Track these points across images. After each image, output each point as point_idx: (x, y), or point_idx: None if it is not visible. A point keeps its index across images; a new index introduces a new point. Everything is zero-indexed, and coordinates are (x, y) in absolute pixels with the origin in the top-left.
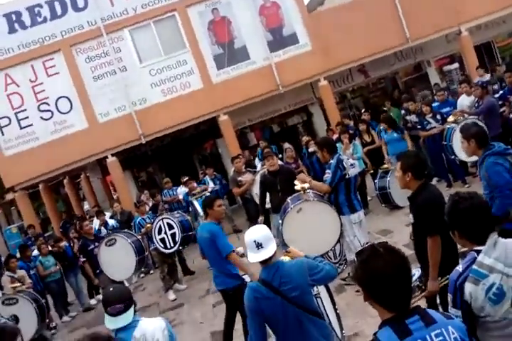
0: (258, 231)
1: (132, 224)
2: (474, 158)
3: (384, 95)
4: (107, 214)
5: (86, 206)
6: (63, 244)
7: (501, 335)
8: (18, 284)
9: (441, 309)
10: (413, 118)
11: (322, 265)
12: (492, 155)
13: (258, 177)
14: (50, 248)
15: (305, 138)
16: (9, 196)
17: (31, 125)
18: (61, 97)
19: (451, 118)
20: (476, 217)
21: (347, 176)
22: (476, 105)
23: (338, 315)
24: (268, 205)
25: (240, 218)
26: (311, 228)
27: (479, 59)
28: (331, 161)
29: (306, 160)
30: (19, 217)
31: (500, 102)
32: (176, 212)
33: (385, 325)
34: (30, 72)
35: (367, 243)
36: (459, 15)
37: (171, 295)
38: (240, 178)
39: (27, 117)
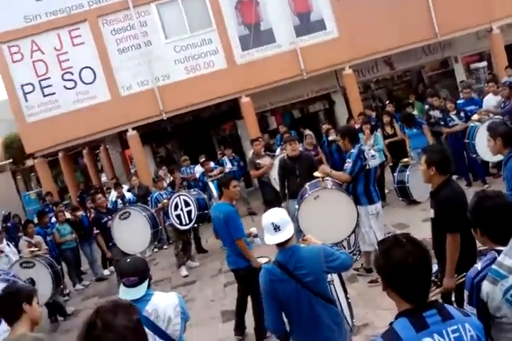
0: (276, 214)
1: (149, 198)
2: (497, 158)
3: (408, 88)
4: (125, 187)
5: (103, 178)
6: (80, 213)
7: None
8: (36, 248)
9: (455, 306)
10: (437, 113)
11: (338, 253)
12: None
13: (277, 162)
14: (67, 216)
15: (325, 127)
16: (29, 162)
17: (54, 93)
18: (85, 68)
19: (475, 117)
20: (500, 216)
21: (367, 167)
22: (502, 105)
23: (349, 303)
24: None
25: (256, 201)
26: (327, 216)
27: (509, 58)
28: (352, 150)
29: (326, 148)
30: (38, 184)
31: None
32: (193, 189)
33: (401, 315)
34: (56, 40)
35: (388, 233)
36: (492, 12)
37: (183, 272)
38: (258, 161)
39: (50, 85)
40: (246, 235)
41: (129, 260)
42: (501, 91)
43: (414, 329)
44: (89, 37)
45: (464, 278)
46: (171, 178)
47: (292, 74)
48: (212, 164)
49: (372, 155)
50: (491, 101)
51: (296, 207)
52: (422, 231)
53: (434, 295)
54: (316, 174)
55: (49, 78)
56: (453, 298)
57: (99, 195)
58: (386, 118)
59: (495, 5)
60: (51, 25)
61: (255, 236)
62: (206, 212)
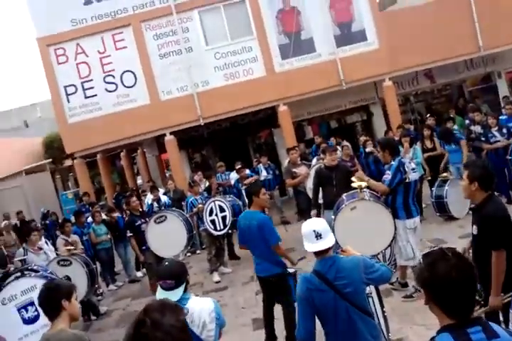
0: (317, 222)
1: (184, 203)
2: None
3: (448, 102)
4: (160, 191)
5: (139, 181)
6: (116, 214)
7: None
8: (73, 247)
9: (503, 326)
10: (478, 129)
11: (378, 265)
12: None
13: (313, 172)
14: (103, 217)
15: (363, 138)
16: (68, 162)
17: (96, 95)
18: (126, 71)
19: None
20: None
21: (407, 180)
22: None
23: (385, 317)
24: (320, 201)
25: (290, 210)
26: (364, 228)
27: None
28: (392, 163)
29: (363, 159)
30: (75, 184)
31: None
32: (228, 195)
33: (444, 330)
34: (99, 43)
35: (432, 247)
36: None
37: (216, 277)
38: (294, 170)
39: (92, 87)
40: None
41: (167, 263)
42: None
43: None
44: (132, 41)
45: (511, 297)
46: (207, 183)
47: (331, 85)
48: (247, 171)
49: (413, 169)
50: None
51: (333, 217)
52: (459, 248)
53: (479, 314)
54: (353, 184)
55: (91, 80)
56: (501, 318)
57: (134, 198)
58: (426, 132)
59: None
60: (96, 29)
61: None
62: None
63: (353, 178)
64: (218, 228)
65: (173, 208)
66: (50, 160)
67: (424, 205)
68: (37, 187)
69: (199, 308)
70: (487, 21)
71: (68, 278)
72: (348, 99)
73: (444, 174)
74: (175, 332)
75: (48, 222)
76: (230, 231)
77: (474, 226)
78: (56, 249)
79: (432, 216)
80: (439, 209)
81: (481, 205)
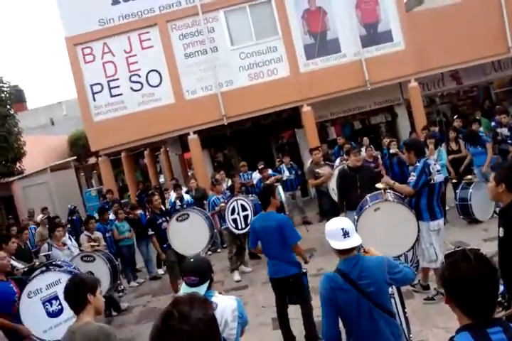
0: (345, 221)
1: (206, 201)
2: None
3: (474, 104)
4: (183, 189)
5: (162, 179)
6: (139, 212)
7: None
8: (96, 243)
9: None
10: (504, 131)
11: (402, 266)
12: None
13: (336, 173)
14: (124, 214)
15: (386, 140)
16: (91, 160)
17: (121, 94)
18: (152, 71)
19: None
20: None
21: (432, 182)
22: None
23: (407, 318)
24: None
25: (311, 211)
26: (387, 229)
27: None
28: (418, 164)
29: (386, 160)
30: (99, 181)
31: None
32: (250, 195)
33: (464, 330)
34: (126, 43)
35: (457, 247)
36: None
37: (236, 276)
38: (317, 170)
39: (118, 86)
40: None
41: (192, 259)
42: None
43: None
44: (158, 41)
45: None
46: (229, 182)
47: (356, 85)
48: (270, 171)
49: (438, 170)
50: None
51: (356, 217)
52: (483, 251)
53: (502, 316)
54: (378, 185)
55: (117, 79)
56: None
57: (156, 197)
58: (452, 134)
59: None
60: (123, 29)
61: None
62: None
63: (378, 185)
64: (240, 227)
65: (195, 207)
66: (75, 157)
67: (447, 208)
68: (61, 184)
69: (222, 306)
70: None
71: (91, 274)
72: (373, 100)
73: (469, 176)
74: (202, 325)
75: (74, 217)
76: None
77: (501, 229)
78: (79, 245)
79: (456, 218)
80: (462, 212)
81: (508, 207)
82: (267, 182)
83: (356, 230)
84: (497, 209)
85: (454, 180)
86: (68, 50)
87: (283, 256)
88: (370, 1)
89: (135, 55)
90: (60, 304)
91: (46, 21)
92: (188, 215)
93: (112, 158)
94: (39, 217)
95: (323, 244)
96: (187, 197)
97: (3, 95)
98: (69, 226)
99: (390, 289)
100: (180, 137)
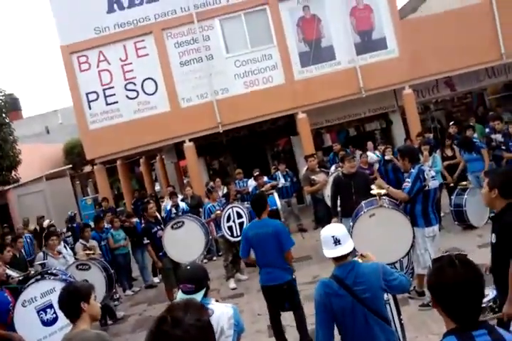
0: (336, 228)
1: (202, 209)
2: None
3: (468, 111)
4: (179, 197)
5: (157, 187)
6: (135, 220)
7: None
8: (91, 252)
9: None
10: (498, 137)
11: (398, 274)
12: None
13: (331, 180)
14: (120, 222)
15: (381, 147)
16: (87, 168)
17: (117, 102)
18: (147, 79)
19: None
20: None
21: (426, 188)
22: None
23: (402, 325)
24: (338, 208)
25: (307, 218)
26: (382, 235)
27: None
28: (412, 170)
29: (381, 167)
30: (94, 190)
31: None
32: (246, 202)
33: (450, 334)
34: (121, 51)
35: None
36: None
37: (232, 284)
38: (313, 177)
39: (114, 94)
40: None
41: (189, 267)
42: None
43: None
44: (153, 49)
45: None
46: (225, 190)
47: (350, 92)
48: (265, 178)
49: (433, 177)
50: None
51: (351, 224)
52: (478, 257)
53: (490, 319)
54: (373, 191)
55: (113, 87)
56: (511, 328)
57: (151, 205)
58: (447, 141)
59: None
60: (118, 37)
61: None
62: None
63: (372, 186)
64: (235, 234)
65: (190, 214)
66: (70, 166)
67: (442, 214)
68: (57, 193)
69: (218, 314)
70: (510, 28)
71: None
72: (367, 107)
73: (464, 182)
74: (194, 331)
75: (75, 225)
76: None
77: (493, 235)
78: (75, 254)
79: (451, 225)
80: (457, 218)
81: (501, 213)
82: (263, 189)
83: (351, 236)
84: (492, 215)
85: (451, 184)
86: (64, 59)
87: (278, 263)
88: (365, 8)
89: (130, 63)
90: (54, 312)
91: (41, 29)
92: (183, 223)
93: (107, 166)
94: (46, 222)
95: (319, 251)
96: (182, 205)
97: None
98: (69, 233)
99: (386, 295)
100: (175, 145)
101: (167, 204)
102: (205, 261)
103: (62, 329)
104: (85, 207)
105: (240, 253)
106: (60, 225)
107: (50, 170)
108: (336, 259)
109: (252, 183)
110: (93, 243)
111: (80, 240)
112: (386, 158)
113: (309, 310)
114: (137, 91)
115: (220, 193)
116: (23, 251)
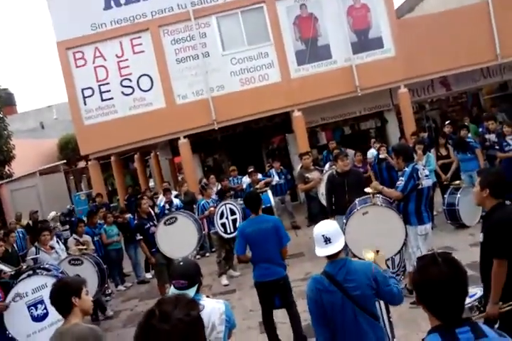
0: (327, 226)
1: (195, 206)
2: None
3: (463, 110)
4: (173, 193)
5: (151, 183)
6: (128, 215)
7: None
8: (84, 247)
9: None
10: (492, 137)
11: (393, 284)
12: None
13: (325, 178)
14: (113, 218)
15: (376, 145)
16: (81, 164)
17: (112, 98)
18: (143, 75)
19: None
20: None
21: (420, 186)
22: None
23: (391, 322)
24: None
25: (300, 215)
26: (375, 233)
27: None
28: (406, 169)
29: (375, 165)
30: (88, 185)
31: None
32: (239, 199)
33: (434, 331)
34: (117, 47)
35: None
36: None
37: (224, 280)
38: (307, 175)
39: (109, 90)
40: None
41: (181, 263)
42: None
43: None
44: (150, 45)
45: (510, 307)
46: (219, 186)
47: (346, 91)
48: (260, 176)
49: (426, 175)
50: None
51: (344, 221)
52: (470, 256)
53: (475, 319)
54: (367, 190)
55: (108, 84)
56: (496, 326)
57: (144, 200)
58: (442, 140)
59: None
60: (115, 33)
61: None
62: None
63: (367, 189)
64: (229, 231)
65: (183, 210)
66: (65, 161)
67: (435, 213)
68: (51, 188)
69: (209, 310)
70: (505, 29)
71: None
72: (363, 106)
73: (457, 182)
74: (183, 326)
75: (73, 219)
76: None
77: (481, 234)
78: (67, 248)
79: (443, 223)
80: (450, 217)
81: (490, 213)
82: (257, 186)
83: (345, 234)
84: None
85: (444, 183)
86: (60, 55)
87: (276, 259)
88: (362, 7)
89: (127, 60)
90: (45, 308)
91: (37, 25)
92: (176, 218)
93: (101, 162)
94: (52, 214)
95: (312, 248)
96: (176, 202)
97: None
98: (67, 226)
99: None
100: (170, 141)
101: (161, 200)
102: (198, 257)
103: (52, 325)
104: (79, 202)
105: (235, 251)
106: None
107: (44, 165)
108: (328, 257)
109: (246, 180)
110: (86, 238)
111: (74, 235)
112: (380, 156)
113: (302, 306)
114: (133, 88)
115: (215, 190)
116: (15, 245)
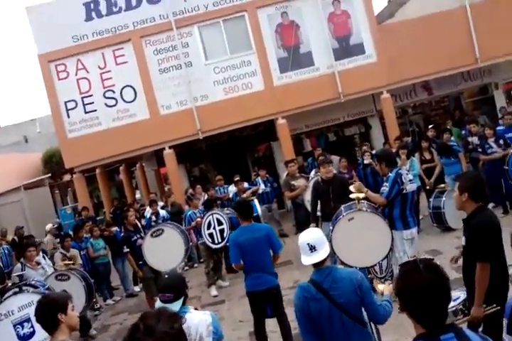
0: (312, 234)
1: (183, 216)
2: None
3: (445, 114)
4: (159, 204)
5: (138, 195)
6: (114, 228)
7: None
8: (71, 262)
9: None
10: (475, 140)
11: (384, 305)
12: None
13: (311, 185)
14: (99, 231)
15: (364, 148)
16: (66, 177)
17: (95, 110)
18: (126, 86)
19: None
20: None
21: (404, 191)
22: None
23: (377, 328)
24: (318, 213)
25: (288, 223)
26: (361, 239)
27: None
28: (390, 174)
29: (361, 171)
30: (74, 199)
31: None
32: (226, 208)
33: (418, 339)
34: (100, 59)
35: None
36: None
37: (213, 291)
38: (293, 182)
39: (92, 102)
40: None
41: (167, 276)
42: None
43: None
44: (132, 56)
45: (494, 309)
46: (206, 197)
47: (329, 98)
48: (246, 184)
49: (410, 180)
50: None
51: (331, 228)
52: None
53: (460, 323)
54: (352, 195)
55: (91, 96)
56: (480, 329)
57: (131, 213)
58: (424, 144)
59: None
60: (97, 45)
61: None
62: None
63: (351, 188)
64: (216, 241)
65: (169, 222)
66: (49, 175)
67: (421, 216)
68: (36, 203)
69: (197, 321)
70: (484, 33)
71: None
72: (347, 112)
73: (442, 185)
74: (168, 339)
75: (62, 233)
76: (227, 244)
77: (463, 237)
78: (54, 264)
79: (430, 227)
80: (436, 220)
81: (471, 216)
82: (244, 195)
83: (331, 240)
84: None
85: (427, 187)
86: (42, 67)
87: (268, 267)
88: (342, 14)
89: (109, 71)
90: (32, 326)
91: (18, 38)
92: (163, 230)
93: (86, 175)
94: (48, 226)
95: (300, 256)
96: (163, 213)
97: None
98: (58, 240)
99: None
100: (155, 152)
101: (147, 212)
102: (186, 268)
103: None
104: (65, 216)
105: (231, 260)
106: (39, 235)
107: (28, 179)
108: (314, 264)
109: (232, 189)
110: (74, 252)
111: (60, 250)
112: (365, 162)
113: (291, 315)
114: (116, 99)
115: (202, 199)
116: (0, 262)
